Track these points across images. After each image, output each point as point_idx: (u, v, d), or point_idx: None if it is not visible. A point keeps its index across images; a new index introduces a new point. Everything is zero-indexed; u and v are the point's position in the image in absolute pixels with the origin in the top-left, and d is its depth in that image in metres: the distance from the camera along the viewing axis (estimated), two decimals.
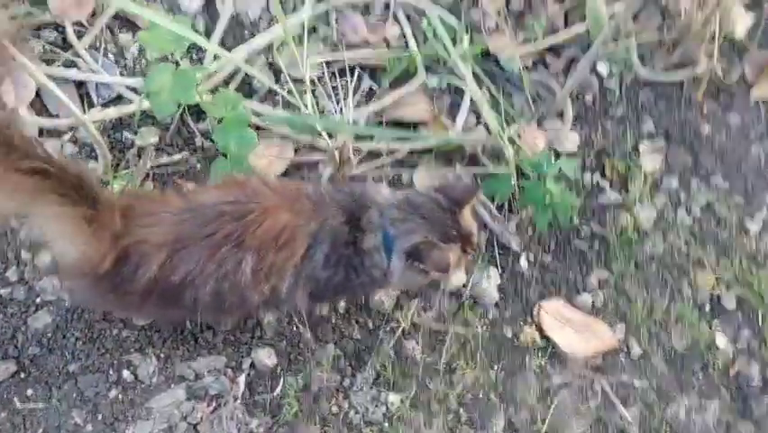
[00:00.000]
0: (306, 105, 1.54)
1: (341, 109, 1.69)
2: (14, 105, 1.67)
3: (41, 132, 1.69)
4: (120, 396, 1.51)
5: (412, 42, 1.83)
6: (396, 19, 1.87)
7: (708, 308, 1.70)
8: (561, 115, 1.82)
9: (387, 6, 1.88)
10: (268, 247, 1.22)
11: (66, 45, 1.78)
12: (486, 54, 1.85)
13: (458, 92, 1.82)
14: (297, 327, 1.58)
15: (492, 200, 1.69)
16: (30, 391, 1.50)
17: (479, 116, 1.79)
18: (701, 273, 1.72)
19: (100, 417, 1.49)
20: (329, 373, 1.55)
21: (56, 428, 1.48)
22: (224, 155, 1.56)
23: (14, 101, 1.67)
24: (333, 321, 1.60)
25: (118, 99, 1.74)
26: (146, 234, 1.21)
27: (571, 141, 1.79)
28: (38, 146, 1.12)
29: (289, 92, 1.62)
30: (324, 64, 1.78)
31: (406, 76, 1.80)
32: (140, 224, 1.22)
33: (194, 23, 1.82)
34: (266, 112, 1.70)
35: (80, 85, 1.73)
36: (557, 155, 1.74)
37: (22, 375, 1.52)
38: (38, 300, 1.57)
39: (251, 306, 1.31)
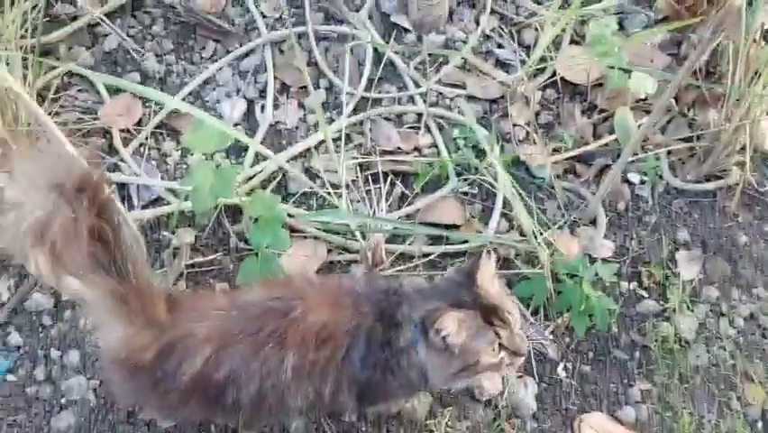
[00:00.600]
0: (342, 206, 1.57)
1: (374, 212, 1.71)
2: None
3: None
4: None
5: (443, 150, 1.88)
6: (427, 129, 1.94)
7: (760, 425, 1.59)
8: (593, 222, 1.82)
9: (419, 117, 1.96)
10: (309, 345, 1.19)
11: (112, 150, 1.86)
12: (516, 162, 1.89)
13: (489, 198, 1.84)
14: None
15: (528, 306, 1.65)
16: None
17: (510, 222, 1.80)
18: (750, 387, 1.63)
19: None
20: None
21: None
22: (257, 255, 1.57)
23: None
24: (364, 429, 1.53)
25: (157, 201, 1.79)
26: (192, 327, 1.20)
27: (605, 248, 1.78)
28: (115, 215, 1.14)
29: (328, 193, 1.66)
30: (358, 170, 1.83)
31: (437, 182, 1.84)
32: (186, 318, 1.22)
33: (240, 129, 1.91)
34: (302, 214, 1.74)
35: (122, 187, 1.80)
36: (592, 262, 1.71)
37: None
38: (63, 400, 1.54)
39: (292, 410, 1.26)
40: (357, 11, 2.12)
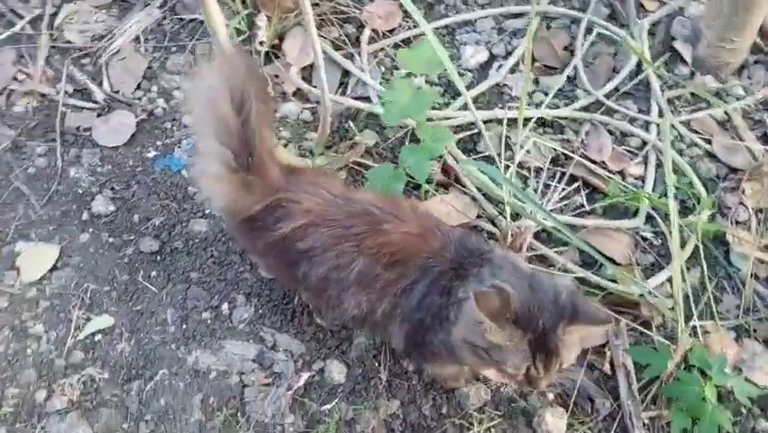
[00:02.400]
0: (504, 173, 1.53)
1: (541, 204, 1.64)
2: (293, 62, 1.92)
3: (294, 93, 1.91)
4: (209, 321, 1.59)
5: (648, 186, 1.73)
6: (645, 160, 1.79)
7: None
8: (766, 342, 1.55)
9: (643, 144, 1.81)
10: (380, 259, 1.21)
11: (355, 41, 2.00)
12: (718, 238, 1.67)
13: (665, 256, 1.65)
14: (378, 365, 1.53)
15: (637, 378, 1.48)
16: (153, 273, 1.66)
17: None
18: None
19: (185, 326, 1.59)
20: (379, 426, 1.47)
21: (150, 313, 1.61)
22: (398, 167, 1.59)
23: (294, 59, 1.92)
24: (413, 383, 1.52)
25: (365, 100, 1.89)
26: (301, 197, 1.28)
27: (763, 372, 1.51)
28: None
29: (508, 159, 1.62)
30: (550, 162, 1.76)
31: (622, 213, 1.70)
32: (301, 187, 1.30)
33: (468, 75, 1.94)
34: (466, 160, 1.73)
35: (346, 74, 1.94)
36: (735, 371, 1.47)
37: (158, 258, 1.69)
38: (207, 211, 1.75)
39: (348, 312, 1.30)
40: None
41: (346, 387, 1.52)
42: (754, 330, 1.57)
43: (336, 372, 1.52)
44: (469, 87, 1.90)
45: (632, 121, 1.85)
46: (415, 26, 2.03)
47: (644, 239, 1.68)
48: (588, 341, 1.54)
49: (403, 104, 1.55)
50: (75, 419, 1.46)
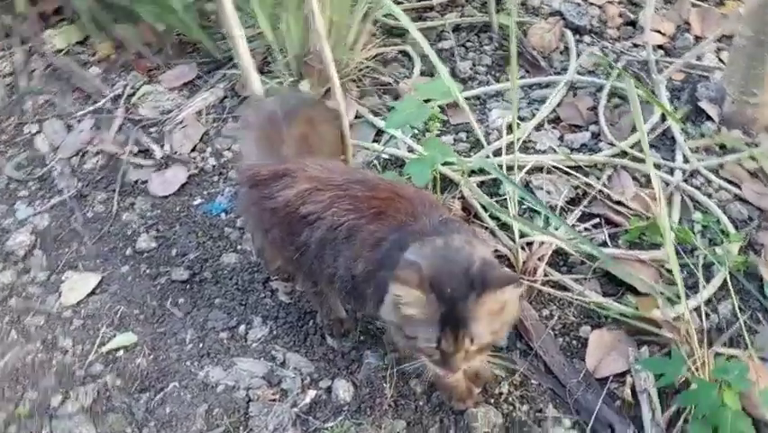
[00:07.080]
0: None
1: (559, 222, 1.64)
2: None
3: None
4: (225, 340, 1.63)
5: (672, 223, 1.70)
6: (669, 200, 1.77)
7: None
8: None
9: (666, 185, 1.80)
10: (366, 212, 1.26)
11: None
12: (749, 272, 1.59)
13: (692, 288, 1.58)
14: (385, 384, 1.49)
15: (663, 406, 1.37)
16: (181, 300, 1.74)
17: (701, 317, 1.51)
18: None
19: (201, 345, 1.63)
20: None
21: (173, 334, 1.66)
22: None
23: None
24: (421, 404, 1.46)
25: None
26: (306, 166, 1.37)
27: None
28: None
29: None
30: (570, 201, 1.78)
31: (641, 245, 1.67)
32: (306, 160, 1.40)
33: (495, 134, 2.04)
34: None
35: (380, 133, 2.09)
36: None
37: (187, 287, 1.77)
38: (238, 247, 1.85)
39: (339, 280, 1.32)
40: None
41: (352, 406, 1.48)
42: None
43: (343, 390, 1.49)
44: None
45: (657, 168, 1.86)
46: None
47: (669, 271, 1.62)
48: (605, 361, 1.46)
49: (406, 114, 1.64)
50: (82, 420, 1.48)
